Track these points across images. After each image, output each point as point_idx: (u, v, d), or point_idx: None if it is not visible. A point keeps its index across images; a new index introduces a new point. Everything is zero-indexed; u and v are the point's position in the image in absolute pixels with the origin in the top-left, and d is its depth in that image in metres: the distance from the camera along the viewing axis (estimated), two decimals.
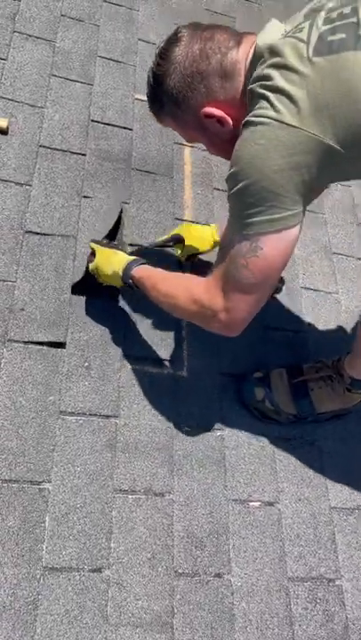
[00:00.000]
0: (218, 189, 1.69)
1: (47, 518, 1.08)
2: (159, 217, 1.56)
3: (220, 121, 1.03)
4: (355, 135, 0.87)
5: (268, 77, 0.91)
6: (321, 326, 1.57)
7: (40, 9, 1.77)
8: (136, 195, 1.57)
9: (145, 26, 1.93)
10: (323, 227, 1.77)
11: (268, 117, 0.89)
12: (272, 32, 0.97)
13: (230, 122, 1.02)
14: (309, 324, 1.56)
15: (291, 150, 0.88)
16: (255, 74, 0.94)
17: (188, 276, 1.21)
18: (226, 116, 1.02)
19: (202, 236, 1.41)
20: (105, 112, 1.67)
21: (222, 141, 1.05)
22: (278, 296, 1.55)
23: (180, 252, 1.42)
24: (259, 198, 0.92)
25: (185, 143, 1.74)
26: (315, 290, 1.63)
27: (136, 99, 1.74)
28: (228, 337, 1.12)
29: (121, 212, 1.44)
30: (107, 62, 1.77)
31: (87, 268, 1.30)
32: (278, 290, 1.52)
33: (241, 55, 0.99)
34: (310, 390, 1.32)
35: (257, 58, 0.96)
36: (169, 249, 1.45)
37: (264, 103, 0.90)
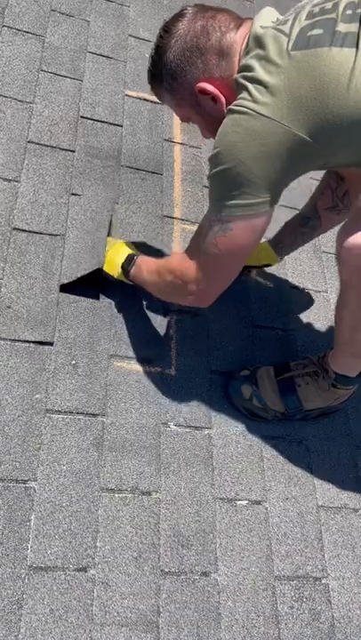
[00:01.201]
0: (208, 187, 1.68)
1: (33, 517, 1.07)
2: (148, 215, 1.55)
3: (213, 98, 1.07)
4: (325, 128, 0.92)
5: (249, 68, 0.96)
6: (310, 325, 1.57)
7: (29, 3, 1.76)
8: (125, 192, 1.56)
9: (136, 22, 1.92)
10: None
11: (247, 107, 0.94)
12: (264, 19, 1.01)
13: (223, 100, 1.05)
14: (299, 323, 1.56)
15: (264, 140, 0.94)
16: (241, 63, 1.00)
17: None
18: (219, 93, 1.05)
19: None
20: (94, 108, 1.66)
21: (213, 121, 1.07)
22: (267, 295, 1.55)
23: None
24: (233, 183, 0.98)
25: (175, 140, 1.74)
26: (304, 288, 1.63)
27: (126, 95, 1.73)
28: (201, 307, 1.25)
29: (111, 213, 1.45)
30: (97, 58, 1.76)
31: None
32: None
33: (238, 37, 1.03)
34: (297, 386, 1.32)
35: (250, 46, 1.00)
36: None
37: (245, 93, 0.96)
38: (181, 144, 1.73)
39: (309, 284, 1.64)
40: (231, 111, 0.97)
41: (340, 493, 1.33)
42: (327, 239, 1.76)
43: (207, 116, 1.11)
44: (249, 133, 0.94)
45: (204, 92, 1.06)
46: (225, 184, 1.00)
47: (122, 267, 1.30)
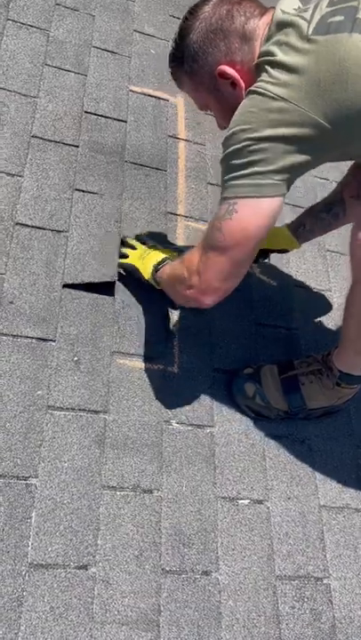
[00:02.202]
0: (212, 184, 1.67)
1: (33, 514, 1.06)
2: (152, 211, 1.54)
3: (233, 83, 1.07)
4: (342, 114, 0.92)
5: (270, 53, 0.97)
6: (313, 324, 1.56)
7: None
8: (129, 188, 1.55)
9: (141, 17, 1.91)
10: None
11: (265, 89, 0.95)
12: (286, 6, 1.03)
13: (243, 85, 1.06)
14: (302, 321, 1.55)
15: (280, 122, 0.94)
16: (262, 49, 1.00)
17: None
18: (239, 78, 1.06)
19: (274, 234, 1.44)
20: (99, 103, 1.65)
21: (231, 107, 1.06)
22: (271, 293, 1.54)
23: None
24: (243, 162, 0.97)
25: (180, 136, 1.73)
26: (308, 287, 1.62)
27: (130, 90, 1.72)
28: (202, 307, 1.14)
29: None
30: (101, 53, 1.75)
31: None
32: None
33: (262, 23, 1.04)
34: (301, 385, 1.31)
35: (271, 31, 1.01)
36: None
37: (265, 76, 0.97)
38: (186, 140, 1.72)
39: (313, 283, 1.63)
40: (250, 92, 0.98)
41: (343, 493, 1.32)
42: (332, 238, 1.75)
43: (224, 102, 1.10)
44: (265, 114, 0.94)
45: (224, 75, 1.06)
46: (236, 163, 0.98)
47: (153, 266, 1.29)
